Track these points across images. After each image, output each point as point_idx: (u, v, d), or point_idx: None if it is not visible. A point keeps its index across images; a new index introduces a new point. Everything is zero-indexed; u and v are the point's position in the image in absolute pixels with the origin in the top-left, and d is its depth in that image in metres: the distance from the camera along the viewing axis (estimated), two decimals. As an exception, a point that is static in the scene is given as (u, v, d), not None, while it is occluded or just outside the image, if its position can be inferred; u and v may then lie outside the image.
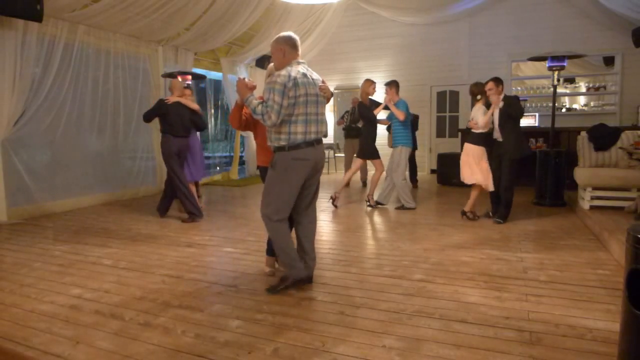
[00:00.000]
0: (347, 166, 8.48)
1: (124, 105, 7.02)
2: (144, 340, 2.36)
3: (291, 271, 3.05)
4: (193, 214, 5.48)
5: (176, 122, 5.41)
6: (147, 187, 7.57)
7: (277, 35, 2.99)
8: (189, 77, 6.93)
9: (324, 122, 3.07)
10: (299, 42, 2.99)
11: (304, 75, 2.91)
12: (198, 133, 6.06)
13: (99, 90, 6.74)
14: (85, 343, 2.34)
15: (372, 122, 6.13)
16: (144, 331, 2.47)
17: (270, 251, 3.42)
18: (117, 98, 7.02)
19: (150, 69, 7.63)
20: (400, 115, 5.81)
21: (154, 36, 7.41)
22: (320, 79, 3.10)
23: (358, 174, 8.44)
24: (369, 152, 6.19)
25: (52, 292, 3.09)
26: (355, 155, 6.39)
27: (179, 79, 6.83)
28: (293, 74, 2.83)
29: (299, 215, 3.18)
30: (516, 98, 5.08)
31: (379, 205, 6.19)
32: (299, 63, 2.96)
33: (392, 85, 5.97)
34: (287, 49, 2.93)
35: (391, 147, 6.19)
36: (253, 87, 2.94)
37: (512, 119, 4.96)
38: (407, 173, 7.43)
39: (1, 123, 5.35)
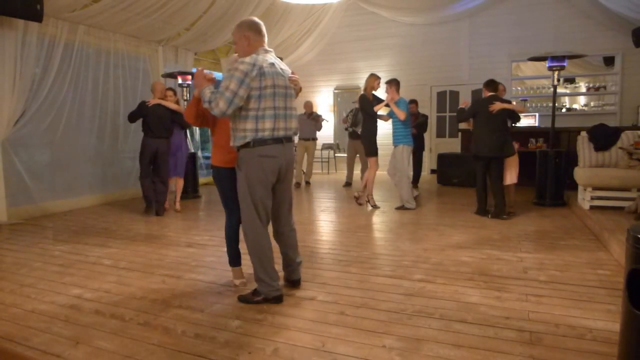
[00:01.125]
0: (349, 166, 8.52)
1: (124, 105, 7.01)
2: (144, 340, 2.36)
3: (263, 288, 2.79)
4: (147, 206, 5.88)
5: (155, 124, 5.62)
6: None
7: (240, 21, 2.72)
8: (189, 77, 6.97)
9: (293, 118, 2.79)
10: (264, 28, 2.72)
11: (272, 64, 2.63)
12: (182, 132, 6.31)
13: (99, 90, 6.75)
14: (85, 343, 2.34)
15: (373, 117, 6.10)
16: (144, 331, 2.47)
17: (234, 261, 3.19)
18: (117, 98, 7.02)
19: (150, 69, 7.64)
20: (401, 114, 5.80)
21: (154, 36, 7.41)
22: (290, 71, 2.83)
23: (358, 173, 8.43)
24: (372, 148, 6.13)
25: (52, 292, 3.09)
26: (365, 155, 6.35)
27: (179, 79, 6.88)
28: (259, 62, 2.55)
29: (280, 224, 2.98)
30: (479, 100, 5.41)
31: (372, 206, 6.17)
32: (266, 51, 2.68)
33: (393, 83, 5.95)
34: (252, 35, 2.65)
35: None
36: (212, 80, 2.67)
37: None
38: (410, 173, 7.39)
39: (1, 123, 5.35)
